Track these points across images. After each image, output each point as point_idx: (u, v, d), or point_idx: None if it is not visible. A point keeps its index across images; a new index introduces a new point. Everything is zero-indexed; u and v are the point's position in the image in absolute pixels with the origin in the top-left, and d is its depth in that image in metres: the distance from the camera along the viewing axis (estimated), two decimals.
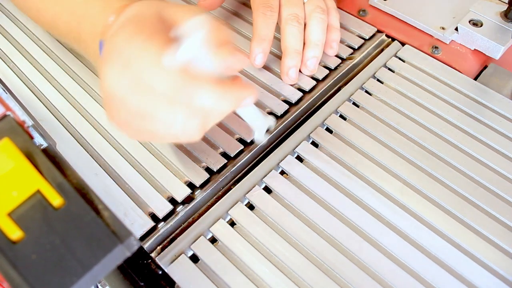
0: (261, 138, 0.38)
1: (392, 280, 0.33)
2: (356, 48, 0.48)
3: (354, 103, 0.44)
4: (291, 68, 0.44)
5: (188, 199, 0.38)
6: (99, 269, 0.22)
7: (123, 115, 0.29)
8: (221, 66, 0.29)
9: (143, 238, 0.36)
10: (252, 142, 0.41)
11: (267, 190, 0.38)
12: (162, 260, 0.35)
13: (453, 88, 0.44)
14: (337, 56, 0.48)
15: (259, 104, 0.44)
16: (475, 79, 0.46)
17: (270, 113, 0.43)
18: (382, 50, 0.49)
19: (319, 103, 0.45)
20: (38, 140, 0.27)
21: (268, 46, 0.44)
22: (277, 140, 0.42)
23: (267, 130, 0.38)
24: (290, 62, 0.43)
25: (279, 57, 0.48)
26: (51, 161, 0.24)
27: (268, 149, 0.41)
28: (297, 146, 0.40)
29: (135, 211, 0.36)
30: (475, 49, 0.46)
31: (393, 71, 0.46)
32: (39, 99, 0.45)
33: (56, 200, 0.23)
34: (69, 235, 0.22)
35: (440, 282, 0.33)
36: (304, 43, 0.44)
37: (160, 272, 0.34)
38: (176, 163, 0.39)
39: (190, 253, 0.35)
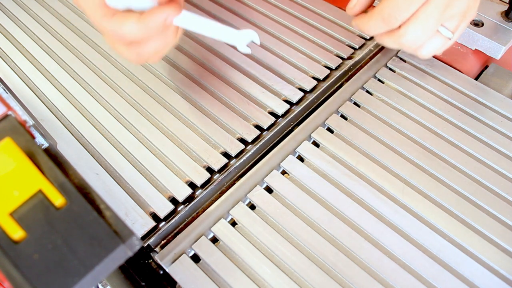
0: (244, 50, 0.37)
1: (393, 279, 0.33)
2: (357, 48, 0.48)
3: (355, 103, 0.44)
4: None
5: (189, 199, 0.38)
6: (101, 269, 0.22)
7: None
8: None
9: (144, 237, 0.36)
10: (253, 141, 0.41)
11: (268, 190, 0.38)
12: (163, 260, 0.35)
13: (454, 88, 0.44)
14: (337, 56, 0.48)
15: (259, 104, 0.44)
16: (476, 79, 0.46)
17: (271, 113, 0.43)
18: (382, 50, 0.49)
19: (320, 102, 0.45)
20: (39, 140, 0.27)
21: None
22: (278, 140, 0.42)
23: (252, 42, 0.37)
24: None
25: (280, 58, 0.48)
26: (52, 161, 0.24)
27: (269, 149, 0.41)
28: (298, 146, 0.40)
29: (136, 211, 0.36)
30: (476, 49, 0.46)
31: (394, 71, 0.46)
32: (40, 99, 0.45)
33: (58, 200, 0.23)
34: (71, 234, 0.22)
35: (441, 281, 0.33)
36: None
37: (161, 272, 0.35)
38: (177, 162, 0.39)
39: (191, 253, 0.35)
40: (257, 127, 0.42)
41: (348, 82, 0.45)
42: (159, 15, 0.33)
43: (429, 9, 0.36)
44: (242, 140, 0.41)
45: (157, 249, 0.36)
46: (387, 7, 0.36)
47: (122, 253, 0.22)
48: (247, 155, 0.40)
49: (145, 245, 0.35)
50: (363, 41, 0.49)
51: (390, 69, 0.47)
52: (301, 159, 0.40)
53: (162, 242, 0.36)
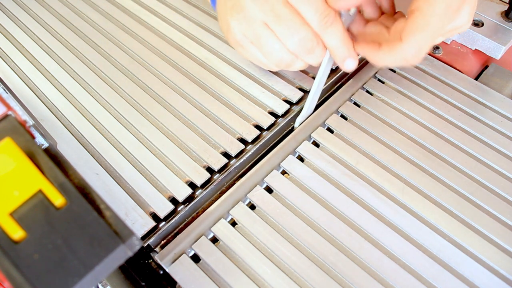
0: (299, 122, 0.42)
1: (393, 279, 0.33)
2: None
3: (355, 103, 0.44)
4: None
5: (189, 199, 0.38)
6: (101, 269, 0.22)
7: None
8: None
9: (144, 237, 0.36)
10: (253, 141, 0.41)
11: (268, 190, 0.38)
12: (163, 260, 0.35)
13: (454, 88, 0.44)
14: None
15: (259, 104, 0.44)
16: (476, 79, 0.46)
17: (271, 113, 0.43)
18: None
19: (320, 102, 0.44)
20: (39, 140, 0.27)
21: None
22: (278, 140, 0.42)
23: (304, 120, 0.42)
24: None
25: None
26: (52, 161, 0.24)
27: (269, 149, 0.41)
28: (298, 146, 0.40)
29: (136, 211, 0.36)
30: (476, 49, 0.46)
31: (394, 71, 0.46)
32: (40, 99, 0.45)
33: (58, 200, 0.23)
34: (71, 234, 0.22)
35: (441, 281, 0.33)
36: None
37: (161, 272, 0.35)
38: (177, 162, 0.39)
39: (191, 253, 0.35)
40: (257, 127, 0.42)
41: (348, 82, 0.45)
42: (351, 52, 0.38)
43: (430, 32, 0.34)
44: (242, 140, 0.41)
45: (157, 249, 0.36)
46: (412, 47, 0.34)
47: (122, 253, 0.22)
48: (247, 155, 0.40)
49: (145, 245, 0.35)
50: None
51: (391, 69, 0.47)
52: (301, 159, 0.40)
53: (162, 242, 0.36)
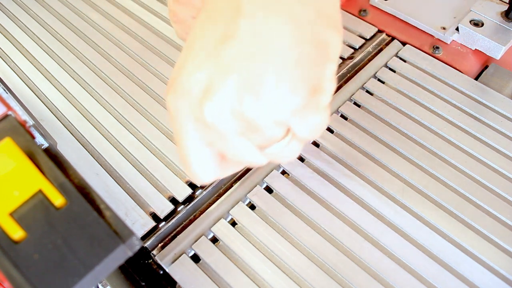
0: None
1: (393, 279, 0.33)
2: (357, 48, 0.48)
3: (355, 103, 0.44)
4: None
5: (189, 199, 0.38)
6: (101, 269, 0.22)
7: (183, 13, 0.33)
8: None
9: (144, 237, 0.36)
10: None
11: (268, 190, 0.38)
12: (163, 260, 0.35)
13: (454, 88, 0.44)
14: None
15: None
16: (476, 79, 0.46)
17: None
18: (382, 50, 0.49)
19: None
20: (39, 140, 0.27)
21: None
22: None
23: None
24: None
25: None
26: (52, 161, 0.24)
27: None
28: None
29: (136, 211, 0.36)
30: (476, 49, 0.46)
31: (394, 71, 0.46)
32: (40, 99, 0.45)
33: (58, 200, 0.23)
34: (71, 235, 0.22)
35: (441, 281, 0.33)
36: None
37: (161, 272, 0.34)
38: (177, 162, 0.39)
39: (191, 253, 0.35)
40: None
41: (348, 82, 0.45)
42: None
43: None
44: None
45: (157, 249, 0.36)
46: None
47: (122, 253, 0.22)
48: None
49: (145, 245, 0.35)
50: (363, 41, 0.49)
51: (390, 69, 0.47)
52: (301, 159, 0.40)
53: (162, 242, 0.36)
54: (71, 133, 0.42)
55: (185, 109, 0.25)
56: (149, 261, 0.35)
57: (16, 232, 0.22)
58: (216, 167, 0.27)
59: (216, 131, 0.24)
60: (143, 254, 0.35)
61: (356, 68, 0.47)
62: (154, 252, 0.36)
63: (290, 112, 0.24)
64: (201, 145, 0.26)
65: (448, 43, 0.47)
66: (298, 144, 0.27)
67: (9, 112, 0.26)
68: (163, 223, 0.37)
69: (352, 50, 0.48)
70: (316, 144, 0.41)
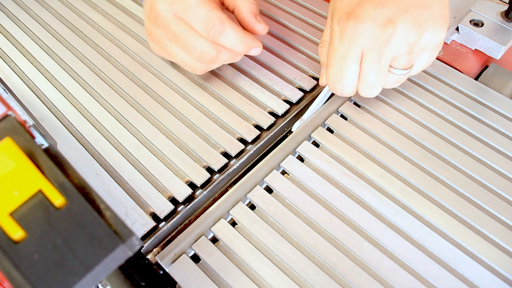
0: (297, 126, 0.42)
1: (393, 279, 0.33)
2: None
3: (355, 103, 0.44)
4: None
5: (189, 199, 0.38)
6: (101, 269, 0.22)
7: (158, 34, 0.40)
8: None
9: (144, 237, 0.36)
10: (253, 141, 0.41)
11: (268, 190, 0.38)
12: (163, 260, 0.35)
13: (454, 88, 0.44)
14: None
15: (259, 104, 0.44)
16: (476, 79, 0.46)
17: (271, 113, 0.43)
18: None
19: None
20: (39, 140, 0.27)
21: None
22: (278, 140, 0.42)
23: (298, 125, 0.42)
24: None
25: (280, 57, 0.48)
26: (52, 161, 0.24)
27: (269, 149, 0.41)
28: (298, 146, 0.40)
29: (136, 211, 0.36)
30: (476, 49, 0.46)
31: None
32: (40, 99, 0.45)
33: (57, 200, 0.23)
34: (70, 235, 0.22)
35: (441, 281, 0.33)
36: None
37: (161, 272, 0.35)
38: (177, 162, 0.39)
39: (191, 253, 0.35)
40: (257, 127, 0.42)
41: None
42: (254, 42, 0.40)
43: (367, 64, 0.36)
44: (242, 140, 0.41)
45: (157, 249, 0.36)
46: (328, 79, 0.38)
47: (122, 253, 0.22)
48: (247, 155, 0.40)
49: (145, 245, 0.35)
50: None
51: None
52: (301, 159, 0.40)
53: (162, 242, 0.36)
54: (71, 133, 0.42)
55: (366, 31, 0.34)
56: (149, 261, 0.35)
57: (16, 232, 0.22)
58: (356, 84, 0.38)
59: (388, 50, 0.34)
60: (143, 254, 0.35)
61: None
62: (154, 252, 0.36)
63: (436, 45, 0.36)
64: (357, 64, 0.36)
65: (448, 43, 0.47)
66: (405, 78, 0.38)
67: (9, 112, 0.26)
68: (163, 223, 0.37)
69: None
70: (316, 144, 0.41)
